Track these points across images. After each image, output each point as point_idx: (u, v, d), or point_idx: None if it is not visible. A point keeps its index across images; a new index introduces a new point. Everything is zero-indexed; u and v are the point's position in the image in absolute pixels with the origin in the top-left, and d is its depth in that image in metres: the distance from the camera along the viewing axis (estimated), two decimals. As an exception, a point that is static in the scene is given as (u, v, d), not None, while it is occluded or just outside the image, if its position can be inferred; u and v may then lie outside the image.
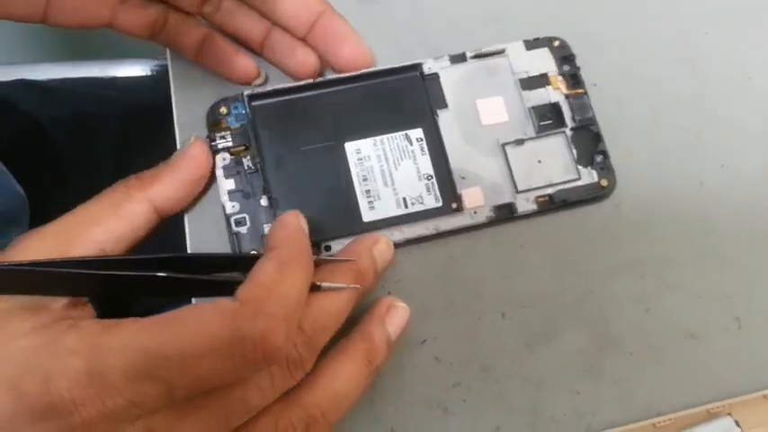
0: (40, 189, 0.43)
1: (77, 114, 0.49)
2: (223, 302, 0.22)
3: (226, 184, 0.30)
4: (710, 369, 0.31)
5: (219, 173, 0.30)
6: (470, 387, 0.30)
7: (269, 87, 0.32)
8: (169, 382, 0.21)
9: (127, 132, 0.49)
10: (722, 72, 0.35)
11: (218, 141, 0.31)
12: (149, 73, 0.53)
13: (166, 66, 0.34)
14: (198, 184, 0.29)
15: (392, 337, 0.28)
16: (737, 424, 0.30)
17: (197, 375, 0.21)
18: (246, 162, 0.31)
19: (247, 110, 0.31)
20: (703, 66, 0.35)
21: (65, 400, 0.20)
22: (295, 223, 0.26)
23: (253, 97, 0.31)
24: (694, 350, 0.31)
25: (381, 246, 0.29)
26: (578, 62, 0.33)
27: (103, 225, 0.26)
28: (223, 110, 0.31)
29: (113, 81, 0.53)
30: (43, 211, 0.41)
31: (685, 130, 0.34)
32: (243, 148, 0.31)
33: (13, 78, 0.49)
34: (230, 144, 0.31)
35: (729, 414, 0.31)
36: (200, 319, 0.21)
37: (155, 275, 0.23)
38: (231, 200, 0.30)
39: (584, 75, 0.33)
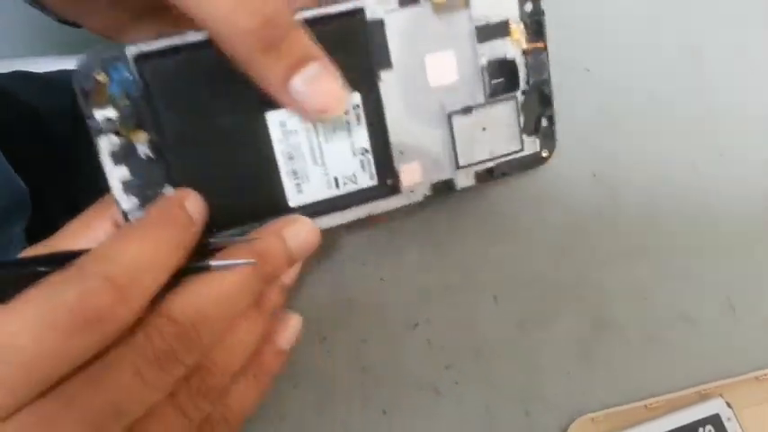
0: (40, 181, 0.41)
1: (76, 105, 0.38)
2: (56, 273, 0.21)
3: (116, 174, 0.24)
4: (703, 352, 0.32)
5: (106, 161, 0.24)
6: (462, 369, 0.30)
7: (161, 42, 0.23)
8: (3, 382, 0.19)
9: None
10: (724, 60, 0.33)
11: (97, 120, 0.23)
12: None
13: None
14: None
15: (292, 250, 0.25)
16: (729, 405, 0.31)
17: (24, 363, 0.19)
18: (141, 148, 0.24)
19: (135, 75, 0.23)
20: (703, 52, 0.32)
21: None
22: (174, 198, 0.24)
23: (142, 57, 0.23)
24: (688, 333, 0.32)
25: (296, 227, 0.26)
26: (572, 39, 0.28)
27: None
28: (100, 76, 0.23)
29: None
30: (44, 202, 0.41)
31: (683, 119, 0.33)
32: (132, 126, 0.24)
33: (10, 71, 0.49)
34: (116, 122, 0.24)
35: (721, 395, 0.31)
36: (32, 299, 0.20)
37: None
38: (127, 193, 0.25)
39: (578, 57, 0.28)
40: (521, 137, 0.29)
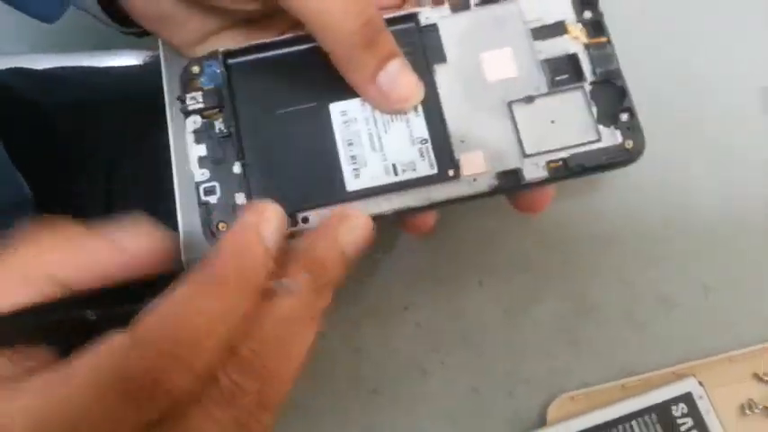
0: (41, 178, 0.42)
1: (76, 102, 0.49)
2: (117, 338, 0.20)
3: (195, 150, 0.28)
4: (680, 334, 0.33)
5: (189, 138, 0.28)
6: (449, 351, 0.32)
7: (246, 43, 0.29)
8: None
9: (123, 120, 0.48)
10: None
11: (188, 103, 0.28)
12: (142, 63, 0.53)
13: (158, 56, 0.35)
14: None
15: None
16: (701, 384, 0.32)
17: (95, 427, 0.19)
18: (218, 125, 0.28)
19: (222, 68, 0.28)
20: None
21: None
22: (252, 223, 0.22)
23: (228, 54, 0.28)
24: (664, 316, 0.34)
25: (350, 223, 0.25)
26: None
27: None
28: (196, 69, 0.28)
29: (108, 71, 0.53)
30: (45, 199, 0.42)
31: (682, 126, 0.35)
32: (215, 110, 0.28)
33: (8, 67, 0.49)
34: (201, 105, 0.28)
35: (694, 375, 0.32)
36: (88, 365, 0.19)
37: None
38: (201, 167, 0.27)
39: None
40: (596, 127, 0.27)
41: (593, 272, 0.34)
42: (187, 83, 0.28)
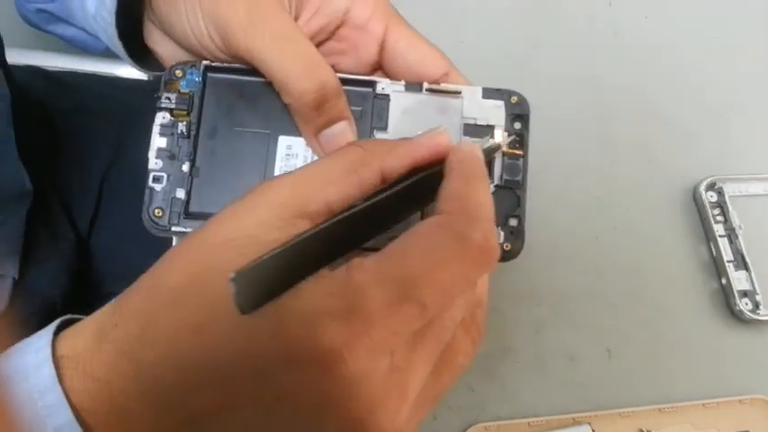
0: (41, 174, 0.44)
1: (83, 107, 0.52)
2: (430, 220, 0.23)
3: (157, 141, 0.32)
4: (581, 386, 0.40)
5: (155, 129, 0.32)
6: None
7: (226, 64, 0.33)
8: (421, 301, 0.22)
9: (124, 128, 0.51)
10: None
11: (163, 100, 0.33)
12: (149, 78, 0.55)
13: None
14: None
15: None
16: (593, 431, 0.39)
17: (443, 288, 0.22)
18: (182, 126, 0.32)
19: (200, 78, 0.33)
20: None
21: (333, 346, 0.21)
22: (445, 141, 0.27)
23: (209, 68, 0.33)
24: (571, 369, 0.40)
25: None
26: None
27: (338, 186, 0.25)
28: (179, 72, 0.33)
29: (115, 80, 0.56)
30: (44, 195, 0.45)
31: (592, 195, 0.43)
32: (184, 112, 0.33)
33: (25, 64, 0.52)
34: (173, 106, 0.33)
35: (589, 423, 0.39)
36: (423, 238, 0.23)
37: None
38: (157, 156, 0.32)
39: None
40: (487, 224, 0.32)
41: (514, 322, 0.39)
42: (167, 83, 0.33)
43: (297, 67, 0.30)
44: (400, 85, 0.33)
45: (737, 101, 0.47)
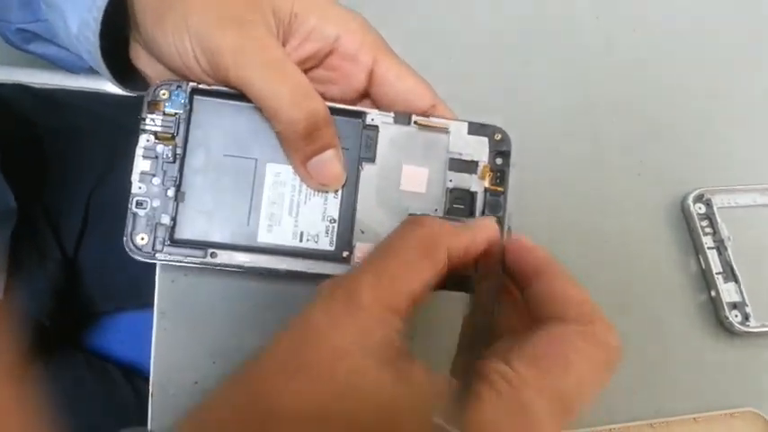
0: (28, 193, 0.43)
1: (70, 126, 0.51)
2: (571, 329, 0.25)
3: (141, 164, 0.32)
4: None
5: (138, 152, 0.32)
6: None
7: (214, 87, 0.32)
8: (577, 410, 0.24)
9: (112, 146, 0.50)
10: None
11: (147, 122, 0.32)
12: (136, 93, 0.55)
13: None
14: (475, 257, 0.29)
15: None
16: None
17: (594, 395, 0.25)
18: (167, 151, 0.32)
19: (186, 100, 0.32)
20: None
21: None
22: (534, 246, 0.29)
23: (196, 91, 0.32)
24: None
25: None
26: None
27: (420, 274, 0.26)
28: (164, 93, 0.32)
29: (103, 96, 0.55)
30: (29, 215, 0.44)
31: (581, 209, 0.43)
32: (169, 136, 0.32)
33: (12, 81, 0.52)
34: (159, 129, 0.32)
35: None
36: (574, 350, 0.25)
37: None
38: (140, 181, 0.32)
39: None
40: (467, 257, 0.34)
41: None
42: (151, 103, 0.32)
43: (287, 96, 0.30)
44: (389, 117, 0.34)
45: (725, 113, 0.48)
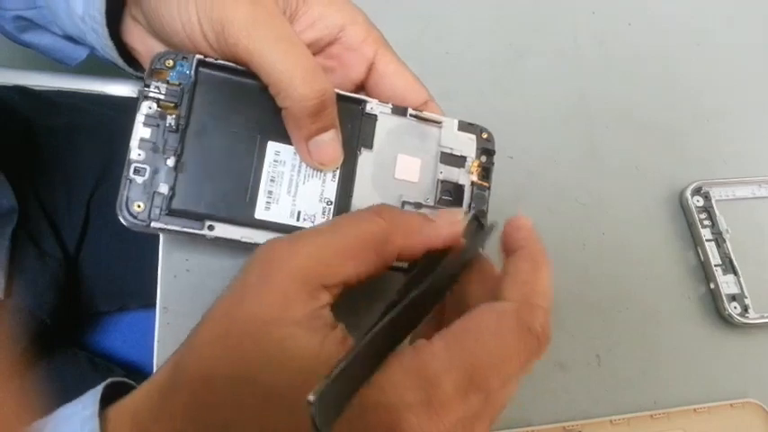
0: (26, 193, 0.44)
1: (70, 125, 0.51)
2: (497, 306, 0.25)
3: (141, 131, 0.31)
4: (571, 394, 0.39)
5: (139, 118, 0.31)
6: None
7: (221, 62, 0.32)
8: (487, 389, 0.23)
9: (110, 146, 0.50)
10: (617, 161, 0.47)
11: (151, 89, 0.31)
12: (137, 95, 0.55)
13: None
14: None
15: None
16: None
17: (507, 376, 0.24)
18: (170, 119, 0.31)
19: (192, 72, 0.32)
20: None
21: None
22: (529, 226, 0.28)
23: (203, 63, 0.32)
24: (561, 377, 0.39)
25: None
26: (504, 143, 0.37)
27: (357, 262, 0.26)
28: (169, 62, 0.32)
29: (102, 98, 0.55)
30: (28, 214, 0.44)
31: (579, 203, 0.43)
32: (172, 105, 0.31)
33: (11, 84, 0.51)
34: (162, 97, 0.31)
35: (580, 431, 0.38)
36: (491, 325, 0.24)
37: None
38: (140, 147, 0.31)
39: (507, 150, 0.37)
40: (454, 246, 0.36)
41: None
42: (155, 71, 0.31)
43: (300, 73, 0.30)
44: (387, 108, 0.35)
45: (722, 106, 0.49)
